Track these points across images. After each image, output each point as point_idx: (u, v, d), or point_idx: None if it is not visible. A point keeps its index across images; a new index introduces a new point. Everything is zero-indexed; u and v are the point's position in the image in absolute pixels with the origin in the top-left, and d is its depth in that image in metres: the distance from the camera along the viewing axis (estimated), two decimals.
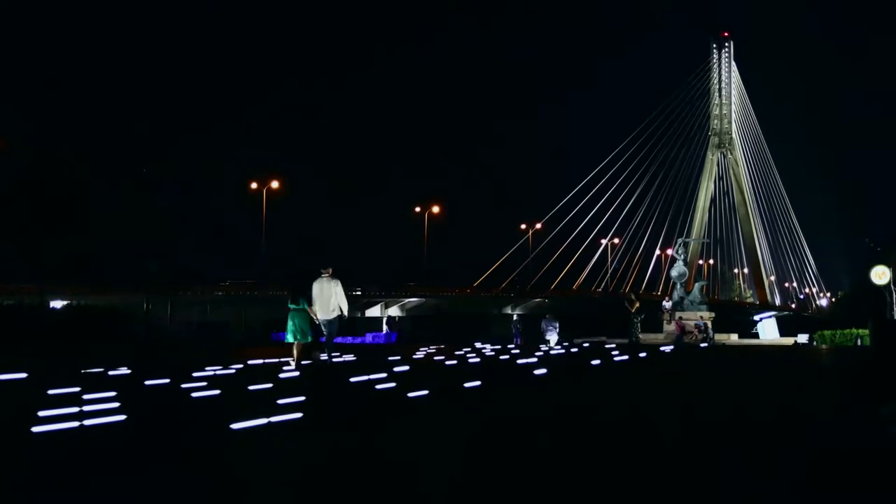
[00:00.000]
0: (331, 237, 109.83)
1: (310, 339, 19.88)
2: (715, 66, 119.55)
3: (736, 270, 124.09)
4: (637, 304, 36.65)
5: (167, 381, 14.83)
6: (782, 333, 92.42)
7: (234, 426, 9.51)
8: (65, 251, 47.61)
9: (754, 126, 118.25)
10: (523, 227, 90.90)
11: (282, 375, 16.51)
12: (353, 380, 15.28)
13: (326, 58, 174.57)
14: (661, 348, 33.13)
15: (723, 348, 38.72)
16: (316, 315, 19.85)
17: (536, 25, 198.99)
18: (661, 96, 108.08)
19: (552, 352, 28.15)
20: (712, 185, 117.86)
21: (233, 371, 17.60)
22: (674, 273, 58.28)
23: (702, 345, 43.36)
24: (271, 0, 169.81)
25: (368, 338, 51.93)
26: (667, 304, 55.07)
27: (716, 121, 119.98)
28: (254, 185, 68.13)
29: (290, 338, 19.60)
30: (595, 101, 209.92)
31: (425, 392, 13.18)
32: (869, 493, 6.88)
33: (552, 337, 40.62)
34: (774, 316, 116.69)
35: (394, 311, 78.18)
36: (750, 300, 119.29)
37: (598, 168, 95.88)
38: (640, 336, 36.65)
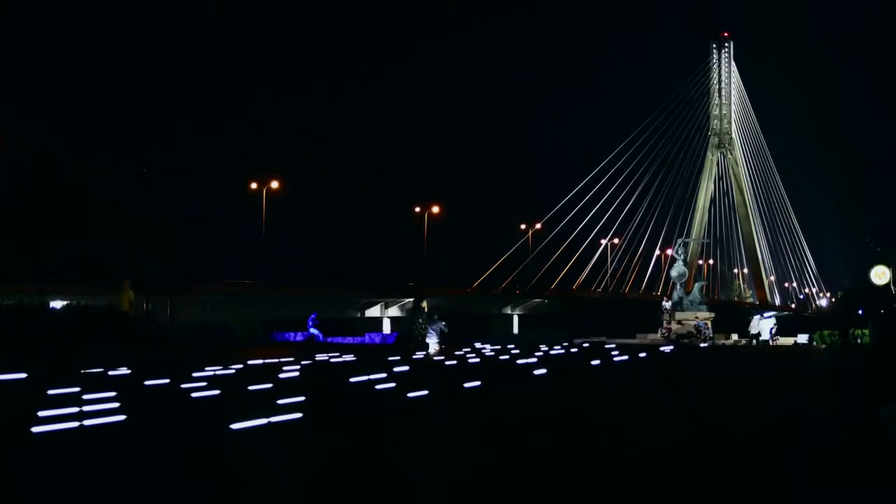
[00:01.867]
0: (331, 237, 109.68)
1: None
2: (715, 66, 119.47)
3: (736, 270, 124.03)
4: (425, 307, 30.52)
5: (167, 381, 14.82)
6: (782, 334, 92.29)
7: (234, 426, 9.51)
8: (65, 251, 47.54)
9: (754, 126, 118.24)
10: (523, 227, 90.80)
11: (282, 375, 16.51)
12: (353, 380, 15.27)
13: (327, 58, 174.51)
14: (661, 348, 33.13)
15: (722, 348, 38.71)
16: None
17: (536, 25, 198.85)
18: (660, 96, 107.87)
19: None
20: (712, 186, 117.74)
21: (233, 371, 17.59)
22: (674, 273, 58.26)
23: (702, 345, 43.36)
24: (272, 2, 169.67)
25: (368, 338, 51.80)
26: (667, 304, 55.05)
27: (715, 121, 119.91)
28: (254, 186, 68.12)
29: None
30: (595, 101, 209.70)
31: (425, 392, 13.18)
32: (869, 493, 6.88)
33: (432, 341, 29.60)
34: (774, 316, 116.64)
35: (393, 311, 78.15)
36: (750, 300, 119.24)
37: (599, 168, 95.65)
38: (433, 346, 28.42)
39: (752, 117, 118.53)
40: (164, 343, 33.45)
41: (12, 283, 45.58)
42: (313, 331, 40.53)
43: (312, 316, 41.86)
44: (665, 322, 53.02)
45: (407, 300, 77.45)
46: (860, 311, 43.78)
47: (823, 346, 41.72)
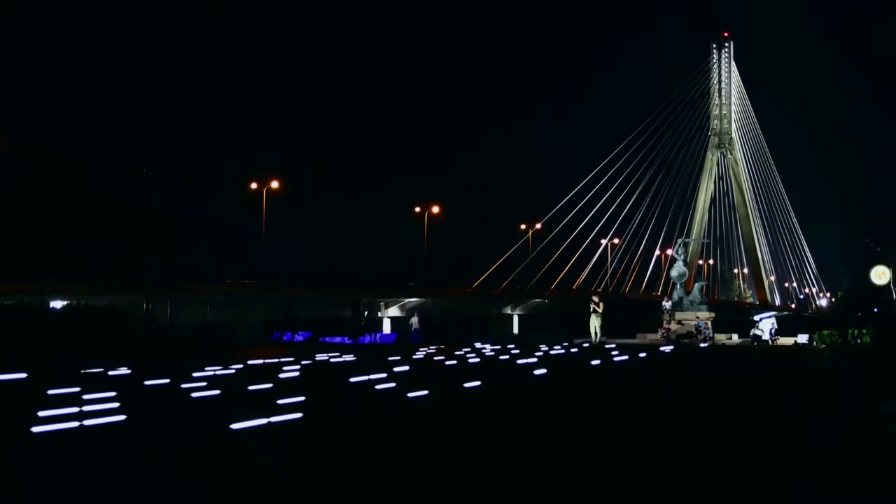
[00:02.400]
0: (331, 237, 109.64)
1: None
2: (715, 66, 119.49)
3: (736, 270, 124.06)
4: None
5: (167, 381, 14.81)
6: (782, 334, 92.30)
7: (234, 426, 9.51)
8: (65, 251, 47.61)
9: (754, 126, 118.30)
10: (523, 227, 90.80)
11: (282, 375, 16.51)
12: (353, 380, 15.27)
13: (327, 58, 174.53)
14: (661, 348, 33.13)
15: (722, 348, 38.73)
16: None
17: (536, 25, 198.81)
18: (660, 96, 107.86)
19: (551, 352, 28.15)
20: (712, 186, 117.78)
21: (233, 371, 17.59)
22: (674, 273, 58.23)
23: (702, 345, 43.36)
24: (272, 2, 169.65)
25: (367, 338, 51.76)
26: (667, 304, 54.99)
27: (715, 121, 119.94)
28: (254, 186, 68.13)
29: None
30: (595, 101, 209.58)
31: (425, 392, 13.18)
32: (869, 493, 6.88)
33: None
34: (774, 316, 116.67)
35: (393, 310, 78.18)
36: (750, 300, 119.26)
37: (599, 168, 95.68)
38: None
39: (752, 117, 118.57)
40: (164, 343, 33.47)
41: (12, 283, 45.59)
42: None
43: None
44: (665, 322, 52.98)
45: (407, 300, 77.55)
46: (858, 313, 43.76)
47: (823, 346, 41.72)
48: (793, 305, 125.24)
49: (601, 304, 47.62)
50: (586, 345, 35.96)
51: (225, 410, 10.96)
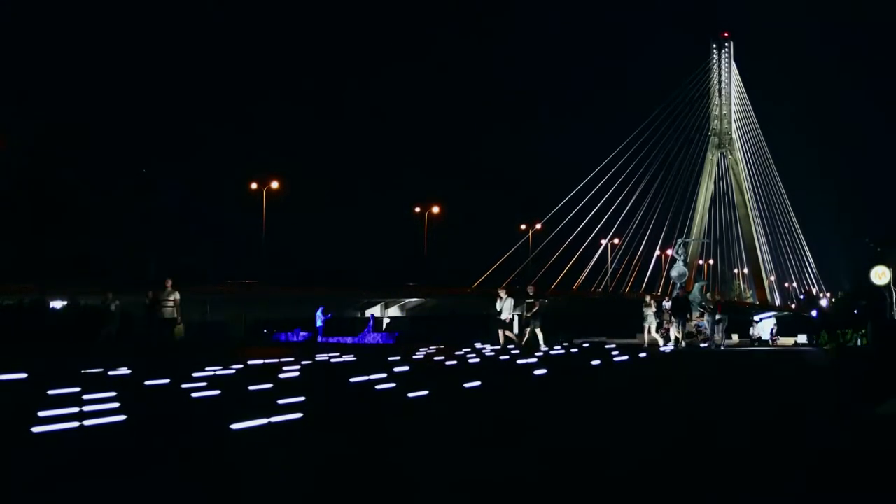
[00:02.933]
0: (331, 237, 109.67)
1: None
2: (715, 66, 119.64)
3: (736, 270, 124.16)
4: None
5: (167, 381, 14.81)
6: (782, 334, 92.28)
7: (234, 426, 9.50)
8: (65, 251, 47.71)
9: (754, 126, 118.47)
10: (523, 227, 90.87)
11: (282, 375, 16.51)
12: (353, 380, 15.27)
13: (327, 58, 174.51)
14: (661, 348, 33.13)
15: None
16: None
17: (536, 25, 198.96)
18: (660, 96, 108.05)
19: (551, 352, 28.15)
20: (712, 186, 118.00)
21: (233, 371, 17.57)
22: (673, 273, 58.19)
23: (702, 345, 43.35)
24: (273, 3, 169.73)
25: (376, 338, 51.71)
26: (667, 304, 54.98)
27: (716, 121, 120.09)
28: (254, 186, 68.15)
29: None
30: (595, 101, 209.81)
31: (425, 392, 13.18)
32: (869, 493, 6.89)
33: None
34: (774, 316, 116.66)
35: (394, 311, 78.23)
36: (750, 300, 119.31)
37: (599, 168, 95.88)
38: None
39: (752, 117, 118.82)
40: (164, 343, 33.39)
41: (12, 283, 45.61)
42: (319, 322, 40.37)
43: (321, 309, 41.47)
44: (665, 322, 52.96)
45: (407, 300, 77.49)
46: (854, 311, 43.82)
47: (826, 347, 41.73)
48: (793, 305, 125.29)
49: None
50: (586, 345, 35.94)
51: (225, 410, 10.95)
